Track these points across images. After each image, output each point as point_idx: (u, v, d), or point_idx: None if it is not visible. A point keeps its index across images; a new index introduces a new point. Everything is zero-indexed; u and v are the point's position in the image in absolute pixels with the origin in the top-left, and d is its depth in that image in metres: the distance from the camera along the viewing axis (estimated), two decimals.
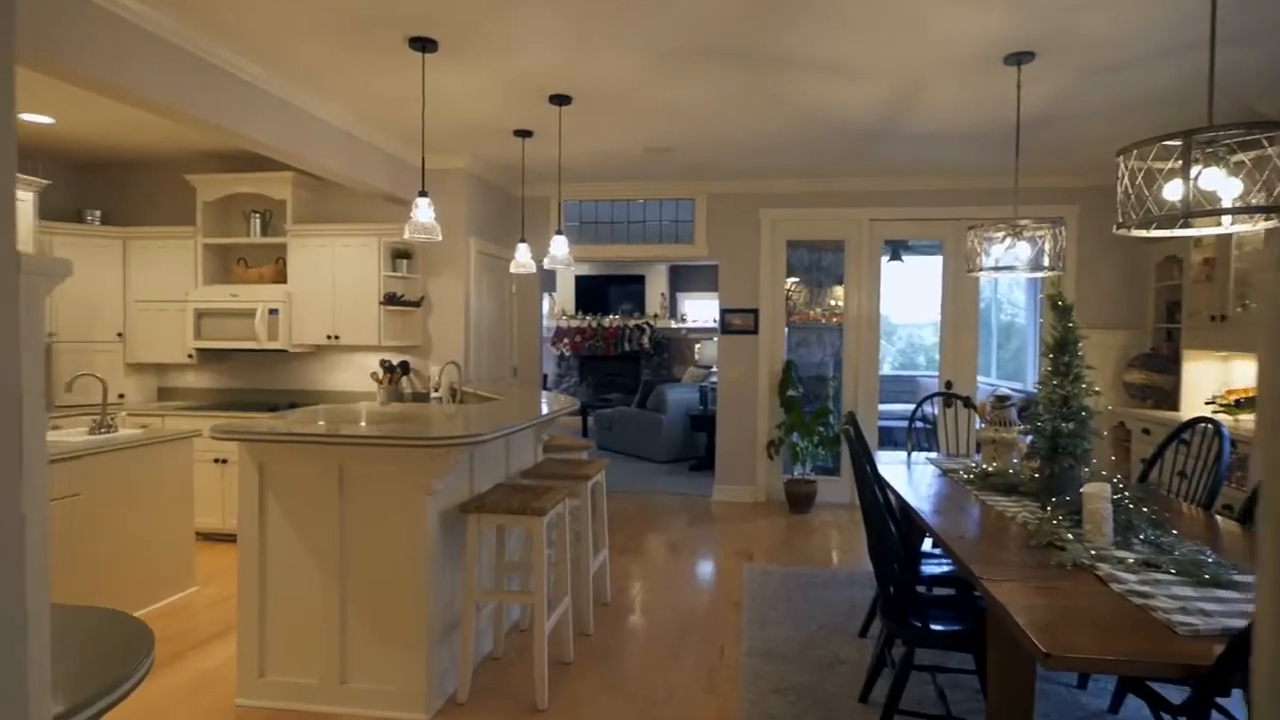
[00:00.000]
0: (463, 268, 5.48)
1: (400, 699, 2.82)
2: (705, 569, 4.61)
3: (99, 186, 5.94)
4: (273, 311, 5.28)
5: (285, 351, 5.45)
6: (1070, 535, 2.14)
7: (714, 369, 10.18)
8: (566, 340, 12.29)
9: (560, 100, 4.05)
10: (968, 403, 4.12)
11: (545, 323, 12.66)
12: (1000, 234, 2.91)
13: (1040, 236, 2.80)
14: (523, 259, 4.62)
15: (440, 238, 3.37)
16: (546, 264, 4.27)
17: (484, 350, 5.86)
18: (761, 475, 6.34)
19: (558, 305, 12.59)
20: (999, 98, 3.92)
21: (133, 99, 3.17)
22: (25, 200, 4.76)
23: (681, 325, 12.22)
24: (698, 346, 11.53)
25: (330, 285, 5.28)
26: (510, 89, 3.92)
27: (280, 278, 5.46)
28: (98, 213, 5.57)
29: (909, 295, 9.83)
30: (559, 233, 4.24)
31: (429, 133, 4.78)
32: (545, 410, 3.68)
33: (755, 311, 6.30)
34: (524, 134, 4.72)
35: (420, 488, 2.79)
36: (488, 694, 3.00)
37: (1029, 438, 2.60)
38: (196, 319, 5.35)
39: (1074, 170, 5.65)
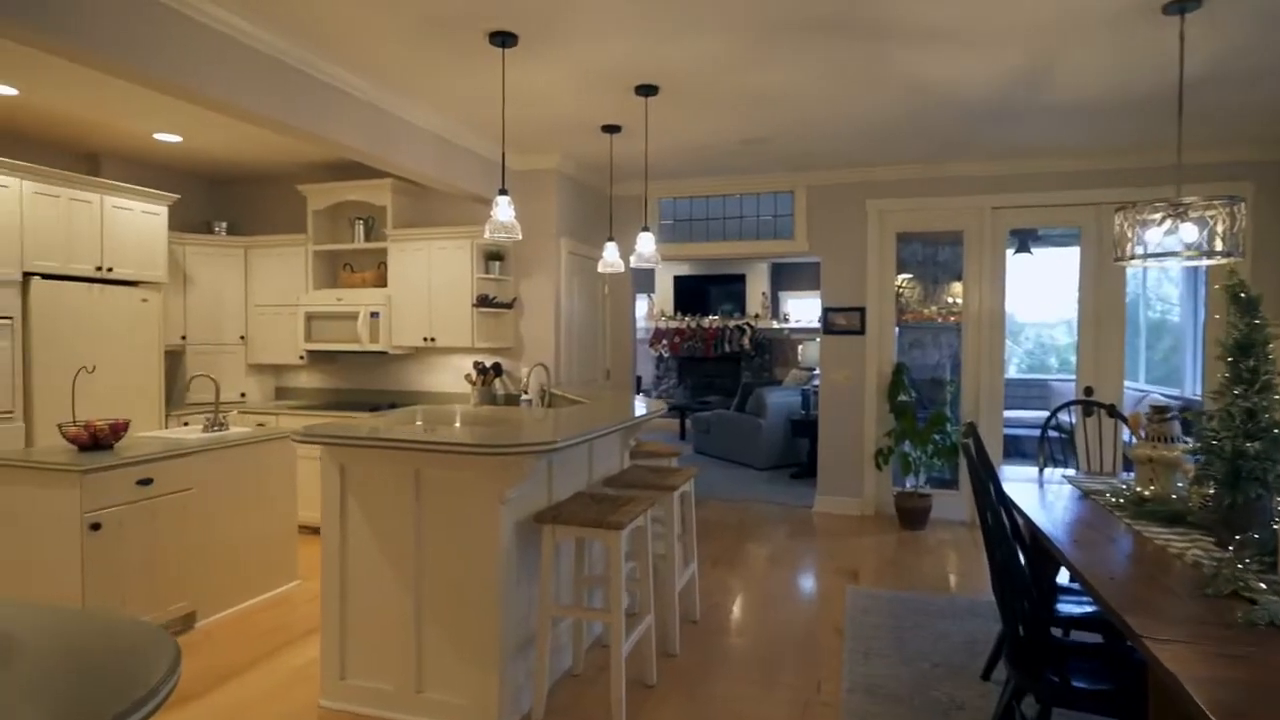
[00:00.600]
0: (553, 268, 5.40)
1: (473, 713, 2.70)
2: (804, 588, 4.29)
3: (225, 199, 6.30)
4: (374, 314, 5.39)
5: (386, 353, 5.56)
6: (1262, 584, 1.71)
7: (817, 371, 9.74)
8: (665, 342, 12.12)
9: (646, 91, 3.86)
10: (1113, 412, 3.59)
11: (642, 324, 12.56)
12: (1158, 215, 2.46)
13: (1211, 217, 2.33)
14: (610, 258, 4.47)
15: (520, 236, 3.26)
16: (633, 262, 4.09)
17: (575, 352, 5.77)
18: (869, 486, 5.91)
19: (656, 306, 12.45)
20: (1155, 56, 3.39)
21: (231, 110, 3.24)
22: (159, 214, 5.08)
23: (784, 325, 11.79)
24: (800, 347, 11.05)
25: (426, 288, 5.34)
26: (594, 81, 3.77)
27: (382, 281, 5.58)
28: (224, 224, 5.90)
29: (1038, 290, 8.98)
30: (645, 229, 4.05)
31: (518, 133, 4.72)
32: (639, 413, 3.49)
33: (861, 310, 5.88)
34: (612, 129, 4.56)
35: (493, 496, 2.67)
36: (564, 713, 2.84)
37: (1197, 457, 2.15)
38: (306, 322, 5.55)
39: (1249, 140, 4.89)
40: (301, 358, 5.74)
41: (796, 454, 8.06)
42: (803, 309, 11.76)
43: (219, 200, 6.28)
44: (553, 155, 5.28)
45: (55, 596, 3.13)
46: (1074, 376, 5.65)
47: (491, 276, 5.30)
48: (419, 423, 3.25)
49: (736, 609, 3.95)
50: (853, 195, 5.87)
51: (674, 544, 3.42)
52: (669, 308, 12.36)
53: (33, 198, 4.32)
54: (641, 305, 12.59)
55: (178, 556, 3.50)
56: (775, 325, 11.77)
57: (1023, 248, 7.82)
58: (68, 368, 4.45)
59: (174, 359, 5.68)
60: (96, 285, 4.65)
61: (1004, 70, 3.62)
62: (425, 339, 5.33)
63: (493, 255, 5.35)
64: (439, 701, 2.76)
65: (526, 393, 5.26)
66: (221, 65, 3.09)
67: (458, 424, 3.19)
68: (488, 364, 5.47)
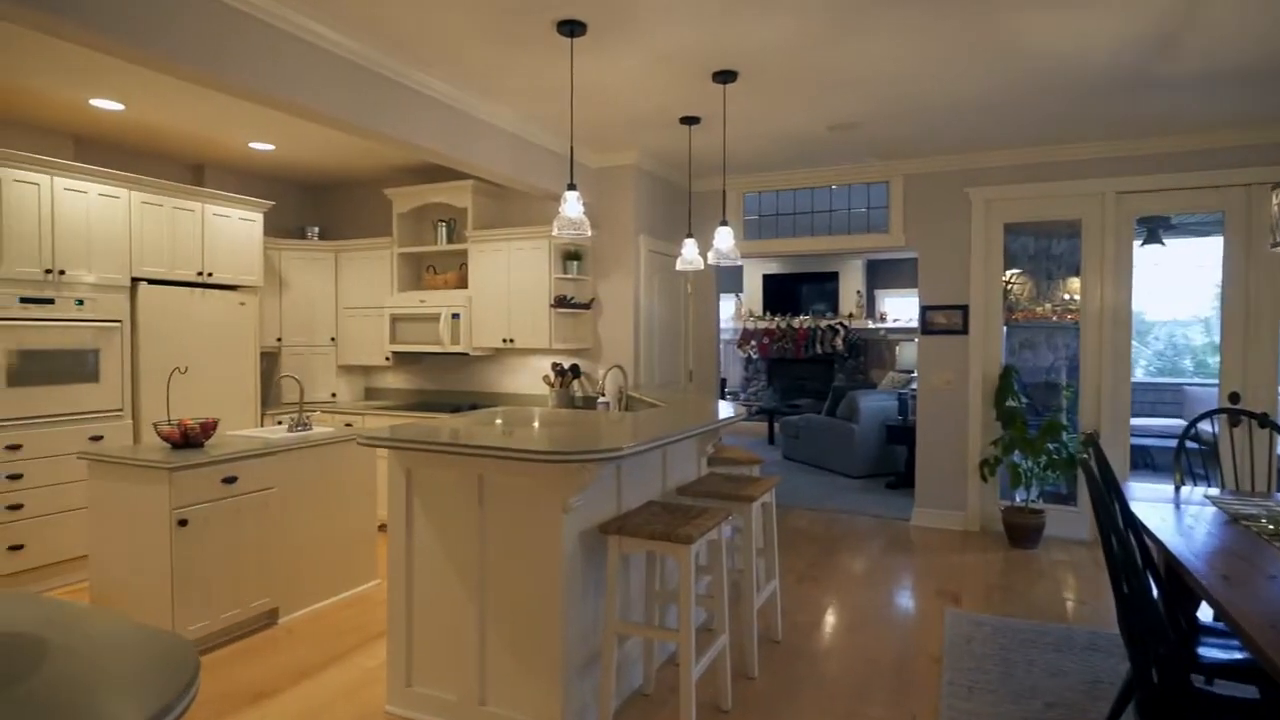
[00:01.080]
0: (632, 267, 5.27)
1: None
2: (899, 609, 3.95)
3: (317, 205, 6.53)
4: (454, 316, 5.42)
5: (467, 355, 5.59)
6: None
7: (915, 374, 9.20)
8: (753, 343, 11.80)
9: (724, 77, 3.65)
10: (1266, 421, 3.10)
11: (730, 324, 12.28)
12: None
13: None
14: (689, 255, 4.28)
15: (589, 232, 3.13)
16: (711, 259, 3.89)
17: (655, 353, 5.61)
18: (973, 499, 5.45)
19: (744, 306, 12.14)
20: None
21: (310, 114, 3.27)
22: (255, 220, 5.29)
23: (880, 325, 11.23)
24: (897, 349, 10.49)
25: (505, 289, 5.31)
26: (668, 69, 3.60)
27: (463, 283, 5.61)
28: (316, 229, 6.10)
29: (1170, 285, 8.13)
30: (723, 224, 3.84)
31: (594, 130, 4.61)
32: (717, 418, 3.30)
33: (964, 308, 5.43)
34: (690, 120, 4.38)
35: (555, 504, 2.54)
36: None
37: None
38: (391, 324, 5.65)
39: None
40: (387, 359, 5.85)
41: (892, 462, 7.61)
42: (900, 308, 11.18)
43: (312, 206, 6.51)
44: (630, 151, 5.15)
45: (149, 589, 3.25)
46: (1216, 381, 5.01)
47: (569, 276, 5.22)
48: (499, 422, 3.19)
49: (822, 630, 3.68)
50: (954, 184, 5.44)
51: (754, 558, 3.20)
52: (757, 307, 12.03)
53: (140, 207, 4.56)
54: (729, 305, 12.32)
55: (260, 553, 3.58)
56: (870, 325, 11.23)
57: (1152, 238, 7.07)
58: (171, 368, 4.68)
59: (271, 360, 5.91)
60: (198, 289, 4.87)
61: (1132, 34, 3.20)
62: (504, 340, 5.32)
63: (571, 255, 5.27)
64: (502, 716, 2.65)
65: (604, 395, 5.15)
66: (300, 70, 3.12)
67: (536, 424, 3.10)
68: (566, 365, 5.40)
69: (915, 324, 10.88)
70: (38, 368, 4.06)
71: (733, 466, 4.14)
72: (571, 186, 3.08)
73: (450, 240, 5.67)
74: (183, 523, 3.22)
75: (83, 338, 4.27)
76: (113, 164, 5.04)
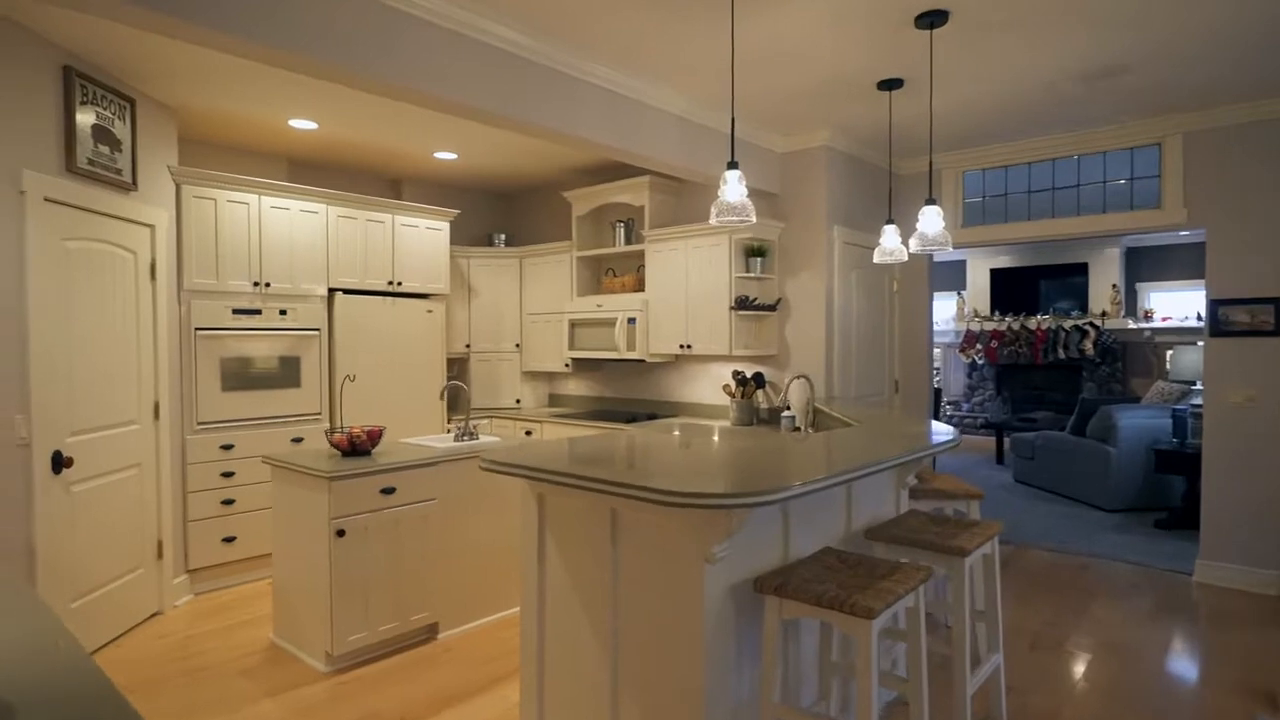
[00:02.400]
0: (824, 263, 4.61)
1: None
2: (1179, 702, 2.94)
3: (504, 212, 6.62)
4: (630, 321, 5.13)
5: (644, 361, 5.27)
6: None
7: (1196, 385, 7.42)
8: (979, 347, 10.35)
9: (931, 20, 2.93)
10: None
11: (950, 326, 10.92)
12: None
13: None
14: (889, 244, 3.58)
15: (753, 218, 2.61)
16: (914, 246, 3.16)
17: (853, 360, 4.89)
18: None
19: (968, 304, 10.71)
20: None
21: (462, 109, 3.10)
22: (441, 229, 5.41)
23: (1143, 325, 9.31)
24: (1169, 354, 8.59)
25: (683, 291, 4.91)
26: (858, 15, 2.96)
27: (640, 286, 5.31)
28: (503, 236, 6.16)
29: None
30: (930, 203, 3.10)
31: (775, 103, 4.05)
32: (923, 443, 2.63)
33: (1276, 302, 4.09)
34: (890, 85, 3.66)
35: (695, 552, 2.06)
36: None
37: None
38: (570, 329, 5.51)
39: None
40: (566, 365, 5.72)
41: (1163, 495, 6.12)
42: (1171, 304, 9.20)
43: (499, 213, 6.60)
44: (820, 130, 4.51)
45: (313, 594, 3.27)
46: None
47: (752, 275, 4.69)
48: (676, 433, 2.80)
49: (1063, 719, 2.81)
50: (1262, 137, 4.11)
51: (966, 625, 2.47)
52: (984, 306, 10.56)
53: (336, 221, 4.80)
54: (947, 305, 10.99)
55: (420, 567, 3.49)
56: (1130, 325, 9.36)
57: None
58: (363, 374, 4.87)
59: (461, 366, 6.05)
60: (388, 298, 5.04)
61: None
62: (681, 346, 4.92)
63: (754, 251, 4.74)
64: None
65: (788, 409, 4.55)
66: (449, 63, 2.95)
67: (688, 445, 2.65)
68: (748, 374, 4.88)
69: (1194, 323, 8.86)
70: (246, 374, 4.38)
71: (943, 501, 3.37)
72: (732, 165, 2.58)
73: (629, 241, 5.40)
74: (340, 533, 3.19)
75: (285, 346, 4.55)
76: (321, 182, 5.40)
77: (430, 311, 5.30)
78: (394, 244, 5.11)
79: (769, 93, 3.86)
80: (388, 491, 3.36)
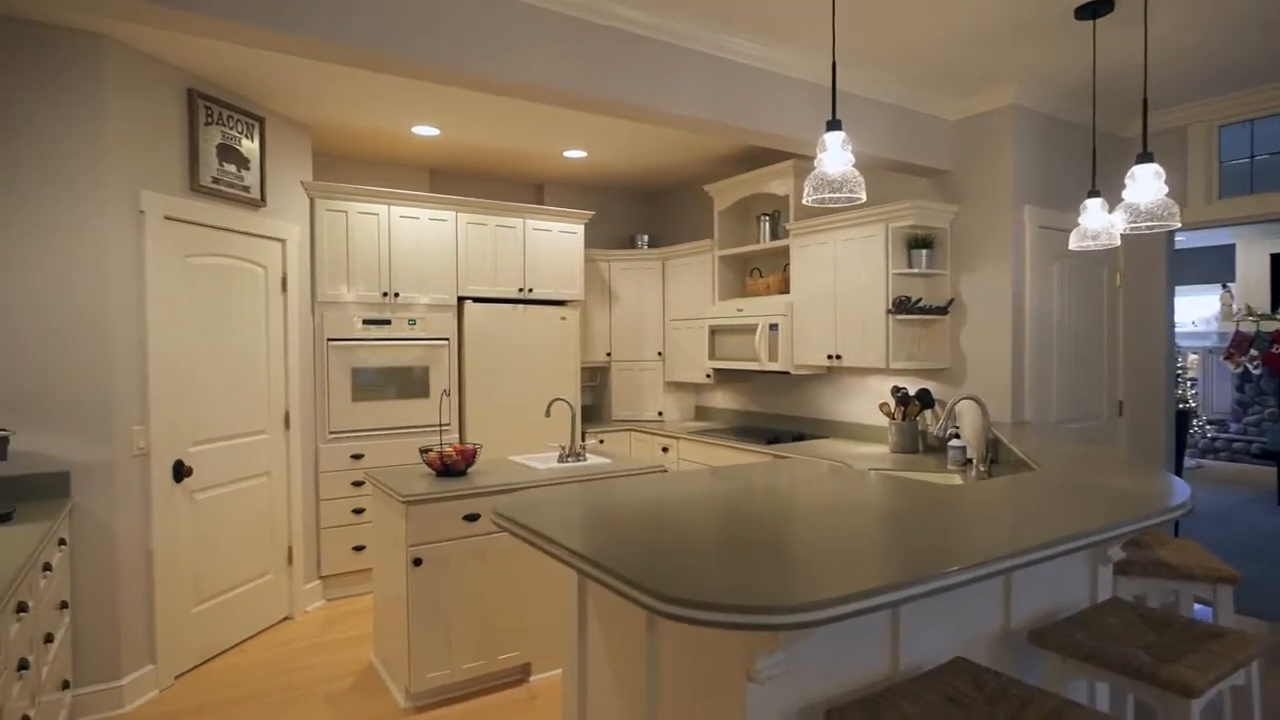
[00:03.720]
0: (1011, 253, 3.67)
1: None
2: None
3: (645, 211, 6.24)
4: (772, 327, 4.50)
5: (788, 374, 4.62)
6: None
7: None
8: (1254, 352, 8.21)
9: None
10: None
11: (1210, 327, 8.83)
12: None
13: None
14: (1093, 223, 2.66)
15: (861, 195, 1.95)
16: (1119, 224, 2.26)
17: (1053, 374, 3.87)
18: None
19: (1238, 299, 8.57)
20: None
21: (530, 91, 2.74)
22: (575, 232, 5.15)
23: None
24: None
25: (831, 292, 4.20)
26: None
27: (786, 288, 4.66)
28: (645, 236, 5.79)
29: None
30: (1144, 157, 2.19)
31: (940, 54, 3.24)
32: (1144, 508, 1.82)
33: None
34: (1092, 10, 2.72)
35: (736, 664, 1.48)
36: None
37: None
38: (710, 337, 4.99)
39: None
40: (708, 376, 5.20)
41: None
42: None
43: (641, 212, 6.24)
44: (1004, 87, 3.59)
45: (395, 623, 3.08)
46: None
47: (915, 271, 3.87)
48: (826, 462, 2.23)
49: None
50: None
51: None
52: (1262, 301, 8.38)
53: (465, 228, 4.69)
54: (1209, 300, 8.91)
55: (509, 601, 3.18)
56: None
57: None
58: (494, 385, 4.72)
59: (602, 375, 5.77)
60: (519, 305, 4.86)
61: None
62: (829, 357, 4.20)
63: (917, 242, 3.91)
64: None
65: (957, 436, 3.68)
66: (519, 42, 2.60)
67: (871, 471, 2.07)
68: (911, 391, 4.05)
69: None
70: (375, 384, 4.39)
71: (1172, 582, 2.41)
72: (833, 125, 1.94)
73: (774, 236, 4.77)
74: (417, 561, 2.97)
75: (414, 356, 4.51)
76: (463, 191, 5.38)
77: (564, 319, 5.05)
78: (525, 249, 4.93)
79: (931, 41, 3.07)
80: (471, 518, 3.09)
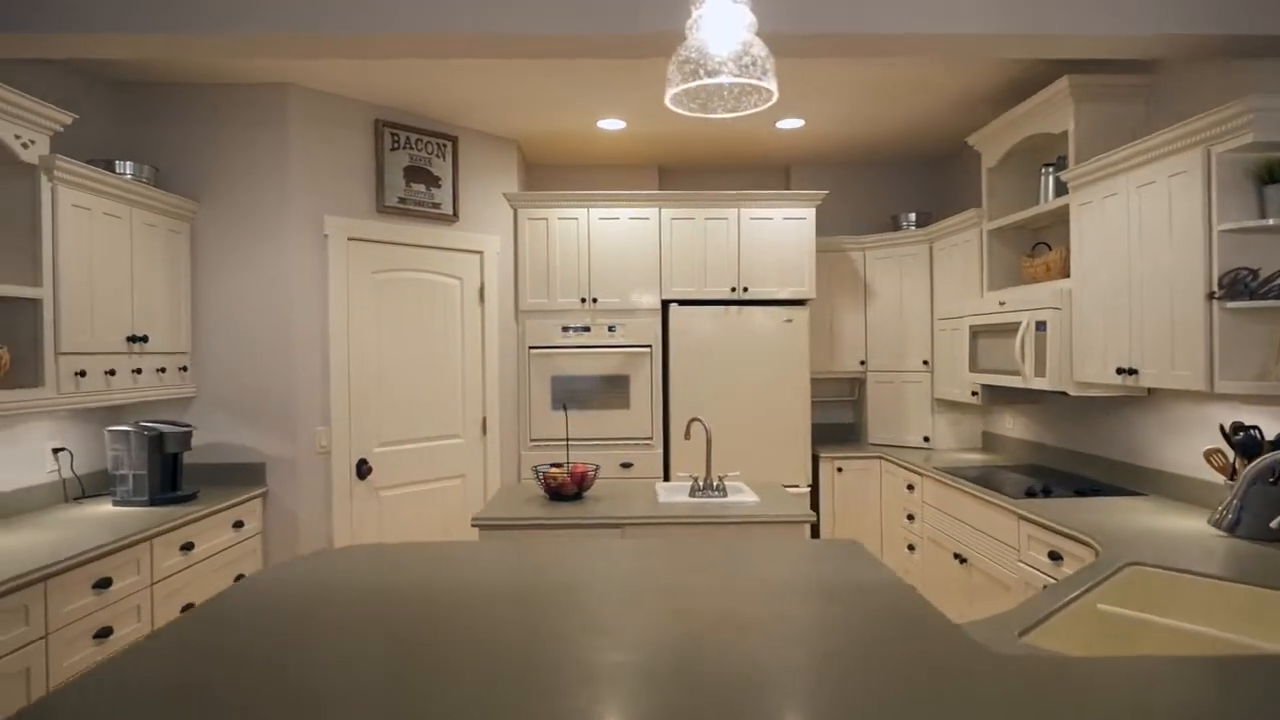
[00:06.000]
0: None
1: None
2: None
3: (909, 185, 4.99)
4: (1039, 326, 3.13)
5: (1065, 395, 3.16)
6: None
7: None
8: None
9: None
10: None
11: None
12: None
13: None
14: None
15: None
16: None
17: None
18: None
19: None
20: None
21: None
22: (804, 218, 4.35)
23: None
24: None
25: (1125, 268, 2.71)
26: None
27: (1067, 268, 3.19)
28: (912, 215, 4.62)
29: None
30: None
31: None
32: None
33: None
34: None
35: None
36: None
37: None
38: (971, 340, 3.73)
39: None
40: (974, 394, 3.88)
41: None
42: None
43: (903, 187, 4.98)
44: None
45: None
46: None
47: (1264, 224, 2.24)
48: (1111, 605, 1.34)
49: None
50: None
51: None
52: None
53: (669, 225, 4.31)
54: None
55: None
56: None
57: None
58: (702, 397, 4.25)
59: (858, 388, 4.80)
60: (732, 307, 4.29)
61: None
62: (1119, 370, 2.71)
63: (1271, 175, 2.25)
64: None
65: None
66: None
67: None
68: (1262, 431, 2.37)
69: None
70: (575, 392, 4.29)
71: None
72: None
73: (1059, 193, 3.32)
74: None
75: (614, 364, 4.30)
76: (699, 186, 4.99)
77: (789, 320, 4.30)
78: (739, 242, 4.32)
79: None
80: None
